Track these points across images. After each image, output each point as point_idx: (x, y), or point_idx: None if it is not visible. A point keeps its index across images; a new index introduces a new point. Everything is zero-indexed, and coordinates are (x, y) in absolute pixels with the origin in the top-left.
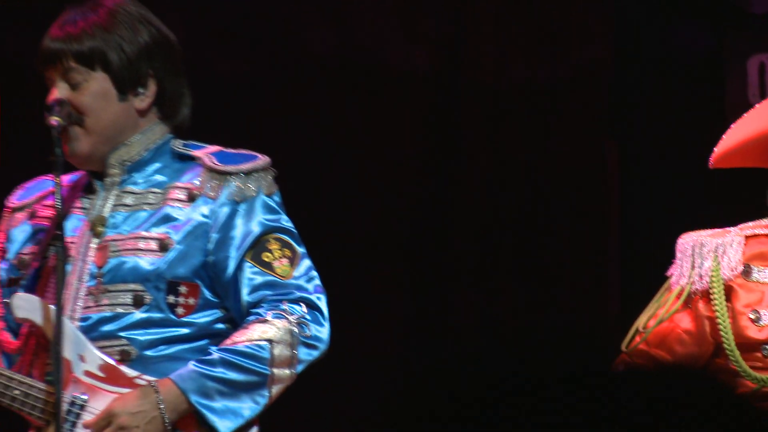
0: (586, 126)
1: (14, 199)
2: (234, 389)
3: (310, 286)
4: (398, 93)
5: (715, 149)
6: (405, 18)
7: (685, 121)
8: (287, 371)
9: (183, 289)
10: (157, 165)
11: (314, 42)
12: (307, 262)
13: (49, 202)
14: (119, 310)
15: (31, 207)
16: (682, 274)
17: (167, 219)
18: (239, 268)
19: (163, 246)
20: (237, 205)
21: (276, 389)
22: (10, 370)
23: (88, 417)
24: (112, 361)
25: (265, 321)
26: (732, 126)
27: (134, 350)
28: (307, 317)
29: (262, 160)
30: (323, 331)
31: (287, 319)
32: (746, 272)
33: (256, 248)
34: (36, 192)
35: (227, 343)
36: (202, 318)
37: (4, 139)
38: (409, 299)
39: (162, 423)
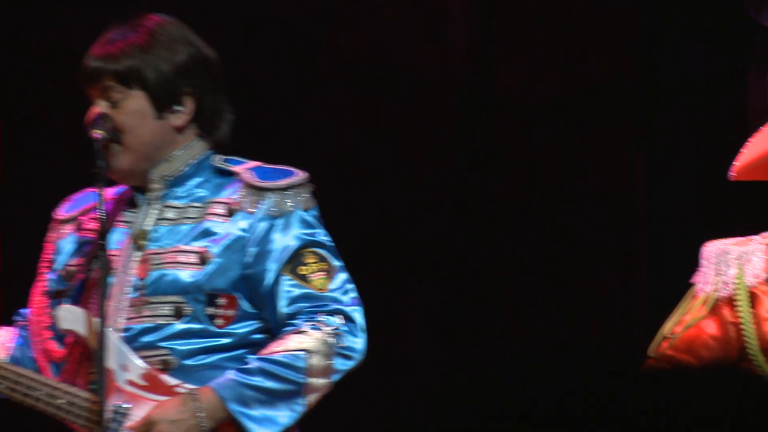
0: (612, 138)
1: (62, 212)
2: (271, 397)
3: (346, 299)
4: (427, 101)
5: (735, 162)
6: (433, 26)
7: (709, 132)
8: (323, 380)
9: (222, 300)
10: (197, 180)
11: (343, 48)
12: (343, 276)
13: (94, 214)
14: (160, 321)
15: (77, 219)
16: (707, 282)
17: (207, 233)
18: (276, 280)
19: (203, 259)
20: (274, 219)
21: (312, 398)
22: (55, 379)
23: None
24: (153, 371)
25: (302, 332)
26: (751, 139)
27: (175, 360)
28: (343, 328)
29: (300, 176)
30: (358, 342)
31: (323, 330)
32: None
33: (293, 262)
34: (82, 204)
35: (265, 352)
36: (241, 328)
37: (51, 151)
38: (441, 308)
39: (200, 431)
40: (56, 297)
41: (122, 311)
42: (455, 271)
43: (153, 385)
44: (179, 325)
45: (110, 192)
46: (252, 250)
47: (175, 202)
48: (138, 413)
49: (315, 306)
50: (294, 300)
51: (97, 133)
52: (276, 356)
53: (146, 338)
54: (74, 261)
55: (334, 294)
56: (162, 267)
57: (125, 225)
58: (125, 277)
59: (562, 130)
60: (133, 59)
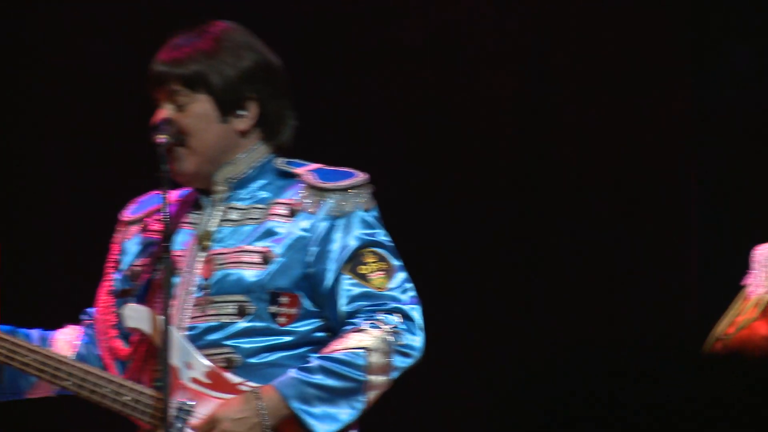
0: (663, 138)
1: (128, 213)
2: (332, 395)
3: (404, 297)
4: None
5: None
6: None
7: (759, 133)
8: (383, 378)
9: (284, 299)
10: (260, 182)
11: (405, 33)
12: (402, 275)
13: (160, 216)
14: (224, 319)
15: (143, 221)
16: (758, 284)
17: (270, 233)
18: (337, 279)
19: (266, 259)
20: (335, 220)
21: (372, 395)
22: (121, 376)
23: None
24: (217, 369)
25: (362, 330)
26: None
27: (239, 358)
28: (402, 327)
29: (361, 177)
30: (417, 340)
31: (382, 328)
32: None
33: (353, 261)
34: (148, 206)
35: (326, 351)
36: (303, 327)
37: (120, 152)
38: (497, 307)
39: (262, 429)
40: (122, 296)
41: (187, 310)
42: (511, 271)
43: (217, 382)
44: (243, 324)
45: (175, 194)
46: (313, 249)
47: (239, 204)
48: (202, 410)
49: (374, 304)
50: (354, 299)
51: (161, 138)
52: (336, 354)
53: (210, 337)
54: (140, 261)
55: (393, 293)
56: (226, 267)
57: (190, 226)
58: (190, 277)
59: (614, 126)
60: (200, 64)
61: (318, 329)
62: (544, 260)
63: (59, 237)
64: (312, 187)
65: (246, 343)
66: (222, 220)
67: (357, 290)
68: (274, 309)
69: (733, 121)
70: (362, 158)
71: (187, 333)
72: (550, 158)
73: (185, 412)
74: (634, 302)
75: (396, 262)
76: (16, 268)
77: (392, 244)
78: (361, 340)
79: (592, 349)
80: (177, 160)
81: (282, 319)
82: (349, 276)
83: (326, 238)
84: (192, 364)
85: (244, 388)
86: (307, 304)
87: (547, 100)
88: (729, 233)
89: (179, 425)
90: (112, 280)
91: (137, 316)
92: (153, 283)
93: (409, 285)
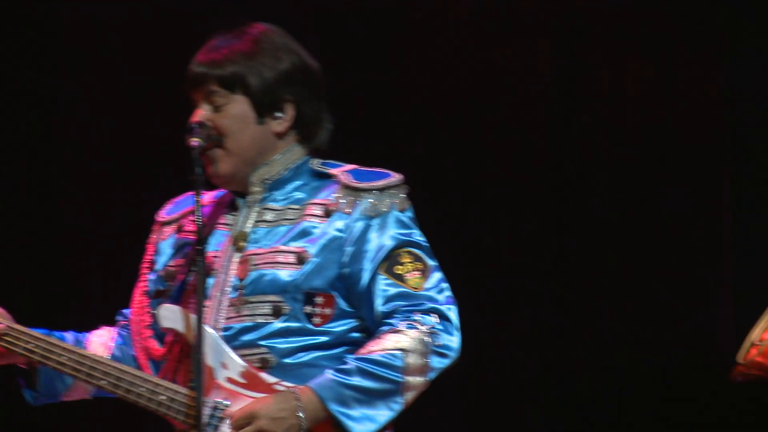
0: (700, 145)
1: (163, 214)
2: (370, 397)
3: (441, 297)
4: (519, 107)
5: None
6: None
7: None
8: (420, 379)
9: (319, 299)
10: (296, 183)
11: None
12: (438, 275)
13: (194, 217)
14: (259, 320)
15: (178, 221)
16: None
17: (305, 233)
18: (373, 279)
19: (301, 259)
20: (371, 220)
21: (410, 396)
22: (156, 376)
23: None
24: (252, 369)
25: (399, 331)
26: None
27: (274, 358)
28: (438, 327)
29: (396, 177)
30: (454, 340)
31: (419, 329)
32: None
33: (389, 261)
34: (184, 207)
35: (362, 352)
36: (338, 327)
37: (157, 155)
38: (534, 310)
39: (299, 430)
40: (157, 297)
41: (222, 310)
42: (548, 274)
43: (252, 382)
44: (278, 324)
45: (211, 195)
46: (348, 249)
47: (274, 205)
48: (237, 410)
49: (411, 305)
50: (390, 299)
51: (195, 141)
52: (373, 356)
53: (246, 337)
54: (174, 262)
55: (430, 293)
56: (261, 267)
57: (225, 227)
58: (225, 277)
59: (650, 138)
60: (238, 65)
61: (353, 330)
62: (578, 270)
63: (94, 238)
64: (347, 188)
65: (281, 344)
66: (257, 221)
67: (393, 290)
68: (309, 309)
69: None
70: (397, 158)
71: (223, 333)
72: (583, 162)
73: (220, 411)
74: (668, 308)
75: (432, 262)
76: (50, 270)
77: (427, 244)
78: (398, 341)
79: (628, 352)
80: (213, 162)
81: (317, 320)
82: (385, 276)
83: (361, 238)
84: (227, 364)
85: (279, 387)
86: (342, 304)
87: (578, 108)
88: (765, 239)
89: (215, 424)
90: (147, 280)
91: (172, 316)
92: (188, 284)
93: (445, 285)
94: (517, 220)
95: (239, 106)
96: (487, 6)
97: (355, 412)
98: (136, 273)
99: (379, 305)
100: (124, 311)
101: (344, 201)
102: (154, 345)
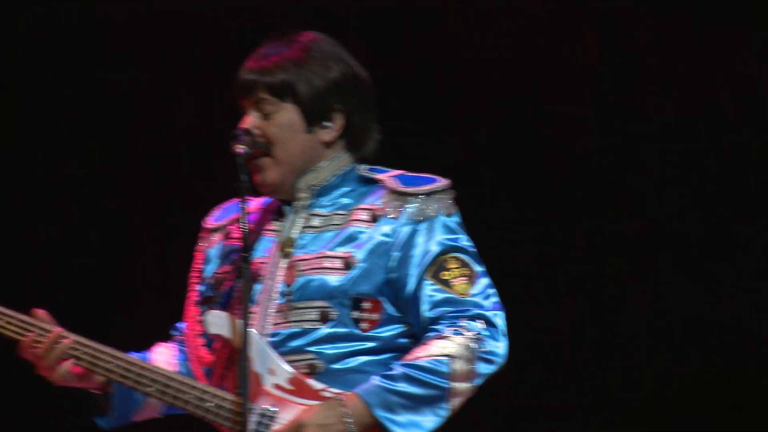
0: (754, 140)
1: (211, 220)
2: (416, 403)
3: (487, 303)
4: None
5: None
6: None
7: None
8: (466, 385)
9: (366, 304)
10: (343, 189)
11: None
12: (485, 280)
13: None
14: (307, 325)
15: (225, 228)
16: None
17: (351, 239)
18: (419, 285)
19: (348, 264)
20: (417, 224)
21: (456, 402)
22: (204, 383)
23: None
24: (300, 375)
25: (445, 337)
26: None
27: (321, 364)
28: (485, 333)
29: (442, 182)
30: (500, 346)
31: (465, 335)
32: None
33: (435, 266)
34: (231, 213)
35: (408, 358)
36: (386, 332)
37: (206, 161)
38: (584, 313)
39: None
40: (205, 303)
41: (270, 317)
42: (597, 276)
43: (299, 389)
44: (325, 330)
45: (258, 201)
46: (395, 254)
47: (321, 211)
48: (285, 417)
49: (457, 310)
50: (436, 304)
51: (240, 148)
52: (420, 362)
53: (293, 343)
54: (222, 269)
55: (476, 299)
56: (308, 273)
57: (272, 233)
58: (272, 283)
59: (704, 127)
60: (287, 73)
61: (401, 335)
62: (628, 271)
63: (144, 246)
64: (394, 192)
65: (329, 349)
66: (304, 227)
67: (440, 296)
68: (356, 314)
69: None
70: (444, 164)
71: (270, 339)
72: (634, 154)
73: (268, 418)
74: (731, 302)
75: (478, 268)
76: (100, 277)
77: (474, 250)
78: (444, 347)
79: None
80: (261, 170)
81: (364, 325)
82: (431, 281)
83: (408, 243)
84: (274, 370)
85: (326, 394)
86: (389, 309)
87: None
88: None
89: (262, 431)
90: (197, 290)
91: (219, 322)
92: (235, 291)
93: (492, 291)
94: (567, 221)
95: (288, 114)
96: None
97: (401, 418)
98: (186, 281)
99: (426, 311)
100: (178, 325)
101: (391, 206)
102: (205, 353)
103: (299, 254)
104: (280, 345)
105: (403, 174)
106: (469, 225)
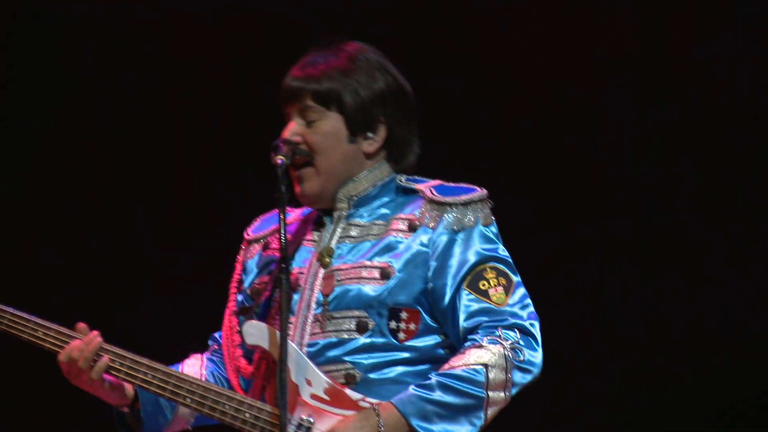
0: None
1: (251, 231)
2: (452, 412)
3: (524, 313)
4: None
5: None
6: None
7: None
8: (502, 394)
9: (404, 315)
10: (383, 200)
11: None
12: (521, 290)
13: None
14: (344, 335)
15: (265, 239)
16: None
17: (389, 248)
18: (456, 295)
19: (385, 274)
20: (455, 234)
21: (491, 411)
22: (243, 394)
23: None
24: (337, 385)
25: (481, 346)
26: None
27: (359, 374)
28: (521, 342)
29: (480, 192)
30: (536, 356)
31: (502, 344)
32: None
33: (472, 276)
34: (271, 224)
35: (445, 367)
36: (423, 342)
37: (245, 171)
38: (618, 319)
39: None
40: (243, 314)
41: (307, 326)
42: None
43: (336, 399)
44: (362, 340)
45: (297, 212)
46: (433, 264)
47: (360, 221)
48: (321, 427)
49: (494, 320)
50: (473, 314)
51: (279, 159)
52: (455, 371)
53: (331, 353)
54: (260, 279)
55: (513, 309)
56: (345, 282)
57: (311, 243)
58: (310, 293)
59: (744, 117)
60: (334, 82)
61: (438, 345)
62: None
63: (185, 256)
64: (432, 202)
65: (366, 359)
66: (342, 237)
67: (476, 306)
68: (393, 324)
69: None
70: (481, 174)
71: (308, 349)
72: (671, 151)
73: (305, 428)
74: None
75: (515, 278)
76: (138, 288)
77: (511, 260)
78: (480, 357)
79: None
80: (301, 180)
81: (402, 335)
82: (468, 291)
83: (446, 253)
84: (312, 380)
85: (363, 404)
86: (427, 319)
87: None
88: None
89: None
90: (236, 300)
91: (257, 333)
92: (273, 301)
93: (528, 300)
94: (603, 227)
95: (332, 123)
96: None
97: (437, 427)
98: (225, 290)
99: (462, 320)
100: (216, 335)
101: (428, 215)
102: (244, 363)
103: (337, 264)
104: (317, 355)
105: (441, 184)
106: (505, 233)
